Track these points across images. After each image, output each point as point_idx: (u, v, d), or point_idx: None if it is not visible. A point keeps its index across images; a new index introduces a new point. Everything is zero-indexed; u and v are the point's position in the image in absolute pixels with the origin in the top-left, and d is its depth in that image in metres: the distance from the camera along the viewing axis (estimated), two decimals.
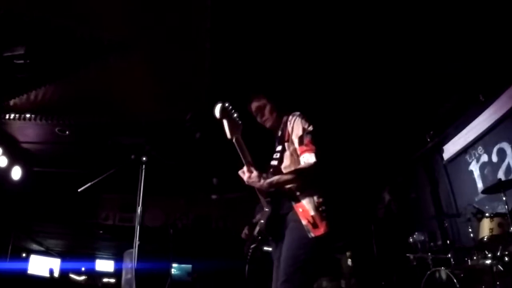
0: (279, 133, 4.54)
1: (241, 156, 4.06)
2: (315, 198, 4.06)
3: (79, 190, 7.08)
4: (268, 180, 4.07)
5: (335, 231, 4.01)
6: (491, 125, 8.48)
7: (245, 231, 8.32)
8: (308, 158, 4.10)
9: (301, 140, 4.21)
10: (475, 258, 6.84)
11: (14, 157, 11.51)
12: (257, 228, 7.86)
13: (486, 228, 6.62)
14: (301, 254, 3.87)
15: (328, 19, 7.30)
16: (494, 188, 6.86)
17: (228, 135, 3.83)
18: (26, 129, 10.80)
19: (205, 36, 7.55)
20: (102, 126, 10.55)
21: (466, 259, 7.11)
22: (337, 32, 7.55)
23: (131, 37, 7.66)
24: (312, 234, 3.89)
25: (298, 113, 4.43)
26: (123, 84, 8.91)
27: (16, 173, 11.66)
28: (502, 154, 8.23)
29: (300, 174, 4.11)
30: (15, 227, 14.54)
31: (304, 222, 3.95)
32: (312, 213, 3.98)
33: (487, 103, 8.60)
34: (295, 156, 4.29)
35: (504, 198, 6.50)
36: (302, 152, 4.17)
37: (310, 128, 4.26)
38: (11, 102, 9.44)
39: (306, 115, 4.40)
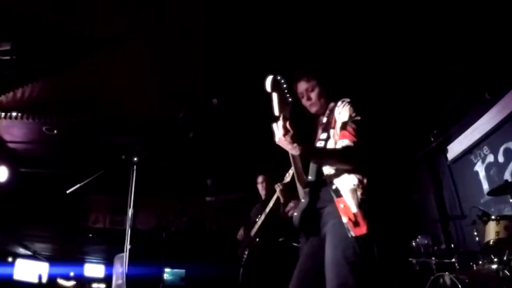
0: (324, 119, 4.32)
1: None
2: (359, 194, 3.80)
3: (68, 191, 7.06)
4: (305, 145, 3.69)
5: (380, 232, 3.84)
6: (497, 124, 8.47)
7: (241, 232, 8.33)
8: (347, 144, 3.87)
9: (344, 125, 3.98)
10: (480, 262, 6.83)
11: (0, 157, 11.47)
12: (254, 230, 7.89)
13: (492, 231, 6.59)
14: (351, 254, 3.65)
15: (327, 14, 7.31)
16: (501, 190, 6.84)
17: (276, 111, 3.59)
18: (13, 128, 10.78)
19: (200, 32, 7.54)
20: (92, 125, 10.53)
21: (471, 263, 7.10)
22: (335, 28, 7.56)
23: (123, 33, 7.65)
24: (352, 233, 3.66)
25: (348, 99, 4.21)
26: (114, 81, 8.91)
27: (2, 174, 11.62)
28: (508, 154, 8.22)
29: (337, 153, 3.95)
30: (1, 230, 14.52)
31: (344, 219, 3.71)
32: (354, 210, 3.73)
33: (493, 101, 8.58)
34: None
35: (511, 200, 6.49)
36: (343, 136, 3.93)
37: (358, 117, 4.03)
38: None
39: (356, 104, 4.15)
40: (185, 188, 13.77)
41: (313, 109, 4.39)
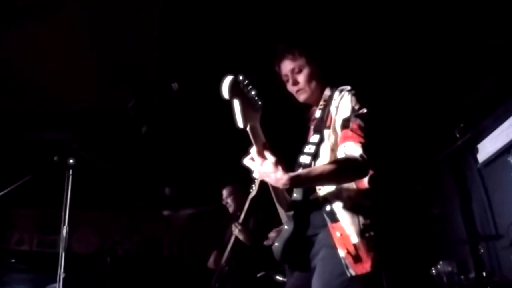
0: (318, 113, 4.08)
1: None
2: (361, 218, 3.56)
3: None
4: (292, 174, 3.35)
5: (388, 266, 3.60)
6: None
7: (212, 258, 8.33)
8: (351, 149, 3.53)
9: (345, 123, 3.68)
10: None
11: None
12: (225, 256, 7.90)
13: None
14: None
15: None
16: None
17: (240, 122, 3.30)
18: None
19: None
20: (15, 116, 10.47)
21: None
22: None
23: None
24: (351, 272, 3.41)
25: (348, 87, 3.94)
26: (44, 61, 8.85)
27: None
28: None
29: (338, 169, 3.48)
30: None
31: (341, 252, 3.48)
32: (355, 240, 3.47)
33: None
34: (337, 151, 3.72)
35: None
36: (345, 139, 3.62)
37: (363, 110, 3.74)
38: None
39: (359, 93, 3.86)
40: (136, 199, 13.74)
41: (301, 97, 4.18)
